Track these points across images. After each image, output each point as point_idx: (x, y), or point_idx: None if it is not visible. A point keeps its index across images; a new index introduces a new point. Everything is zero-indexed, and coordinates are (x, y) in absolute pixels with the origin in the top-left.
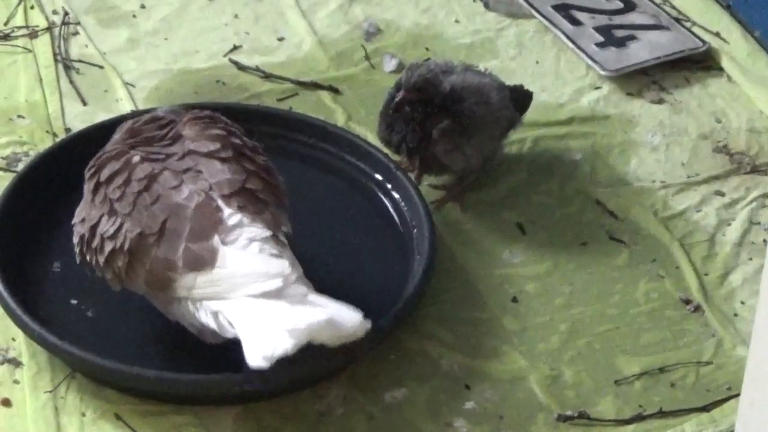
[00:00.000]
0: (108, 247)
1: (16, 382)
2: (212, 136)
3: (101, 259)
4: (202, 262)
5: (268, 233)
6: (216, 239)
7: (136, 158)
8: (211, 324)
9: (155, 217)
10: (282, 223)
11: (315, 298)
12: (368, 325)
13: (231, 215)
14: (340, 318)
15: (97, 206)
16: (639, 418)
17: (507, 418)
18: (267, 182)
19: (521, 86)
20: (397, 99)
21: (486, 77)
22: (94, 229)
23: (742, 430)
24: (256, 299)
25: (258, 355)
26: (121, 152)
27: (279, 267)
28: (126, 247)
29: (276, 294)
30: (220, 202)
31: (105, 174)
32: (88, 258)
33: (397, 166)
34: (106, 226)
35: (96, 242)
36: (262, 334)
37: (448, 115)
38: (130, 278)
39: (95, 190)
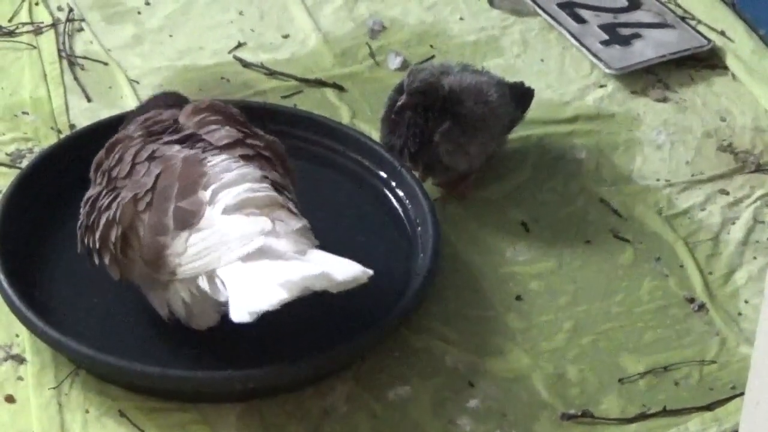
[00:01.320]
0: (103, 219)
1: (20, 378)
2: (211, 120)
3: (97, 236)
4: (191, 215)
5: (257, 173)
6: (201, 192)
7: (137, 134)
8: (208, 289)
9: (150, 173)
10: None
11: (312, 253)
12: (370, 272)
13: (216, 160)
14: (336, 271)
15: (98, 184)
16: (643, 416)
17: (511, 416)
18: (270, 148)
19: (521, 83)
20: (399, 103)
21: (484, 75)
22: (93, 204)
23: (747, 430)
24: (247, 260)
25: (244, 309)
26: (123, 136)
27: (259, 224)
28: (119, 215)
29: (268, 252)
30: (209, 154)
31: (106, 151)
32: (86, 241)
33: (401, 163)
34: (104, 199)
35: (93, 216)
36: (252, 288)
37: (449, 116)
38: (126, 256)
39: (96, 169)
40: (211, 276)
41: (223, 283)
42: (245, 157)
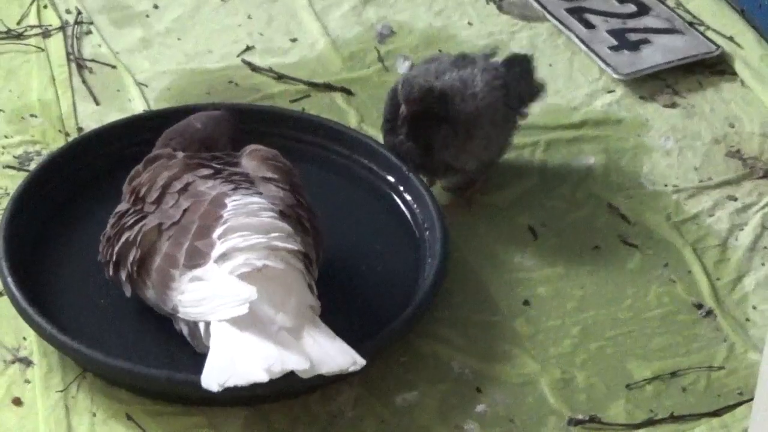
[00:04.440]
0: (123, 236)
1: (27, 381)
2: (273, 167)
3: (115, 250)
4: (201, 256)
5: (263, 239)
6: (213, 237)
7: (180, 155)
8: (203, 332)
9: (179, 206)
10: (315, 258)
11: (308, 335)
12: (362, 363)
13: (243, 200)
14: (324, 364)
15: (127, 201)
16: (650, 422)
17: (518, 421)
18: (312, 224)
19: (516, 54)
20: (402, 115)
21: (468, 66)
22: (120, 219)
23: None
24: (237, 325)
25: (214, 379)
26: (165, 153)
27: (246, 292)
28: (140, 239)
29: (261, 323)
30: (244, 195)
31: (143, 164)
32: (104, 251)
33: (409, 168)
34: (129, 218)
35: (116, 230)
36: (231, 361)
37: (444, 119)
38: (140, 278)
39: (130, 182)
40: (206, 325)
41: (211, 336)
42: (285, 216)
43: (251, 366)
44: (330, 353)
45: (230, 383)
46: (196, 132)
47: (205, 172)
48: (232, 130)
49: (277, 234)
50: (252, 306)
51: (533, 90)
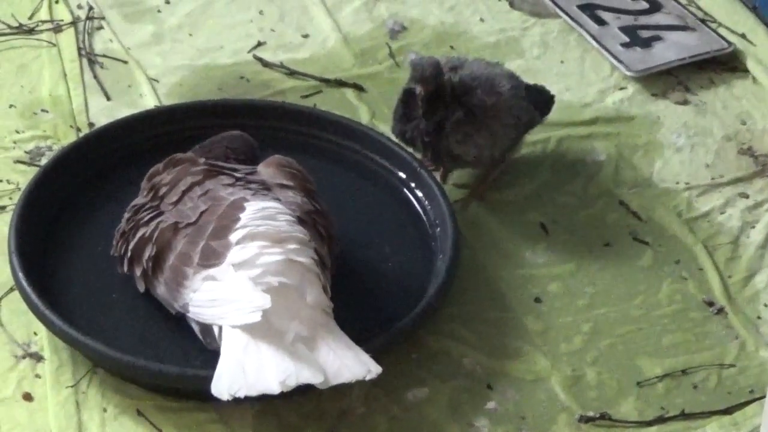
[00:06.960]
0: (139, 232)
1: (37, 376)
2: (289, 174)
3: (130, 246)
4: (216, 256)
5: (280, 256)
6: (230, 238)
7: (201, 160)
8: (216, 334)
9: (196, 209)
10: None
11: (322, 344)
12: (377, 371)
13: (260, 205)
14: (337, 375)
15: (144, 195)
16: (661, 420)
17: (529, 418)
18: (328, 230)
19: (542, 87)
20: (420, 95)
21: (497, 67)
22: (136, 213)
23: None
24: (249, 332)
25: (225, 389)
26: (188, 157)
27: (260, 300)
28: (156, 236)
29: (274, 332)
30: (261, 200)
31: (164, 165)
32: (119, 246)
33: (420, 164)
34: (145, 213)
35: (131, 226)
36: (241, 371)
37: (460, 106)
38: (154, 274)
39: (149, 179)
40: (219, 326)
41: (225, 340)
42: (303, 222)
43: (264, 377)
44: (345, 363)
45: (241, 393)
46: (220, 140)
47: (227, 180)
48: (252, 146)
49: (292, 247)
50: (266, 314)
51: (538, 121)
